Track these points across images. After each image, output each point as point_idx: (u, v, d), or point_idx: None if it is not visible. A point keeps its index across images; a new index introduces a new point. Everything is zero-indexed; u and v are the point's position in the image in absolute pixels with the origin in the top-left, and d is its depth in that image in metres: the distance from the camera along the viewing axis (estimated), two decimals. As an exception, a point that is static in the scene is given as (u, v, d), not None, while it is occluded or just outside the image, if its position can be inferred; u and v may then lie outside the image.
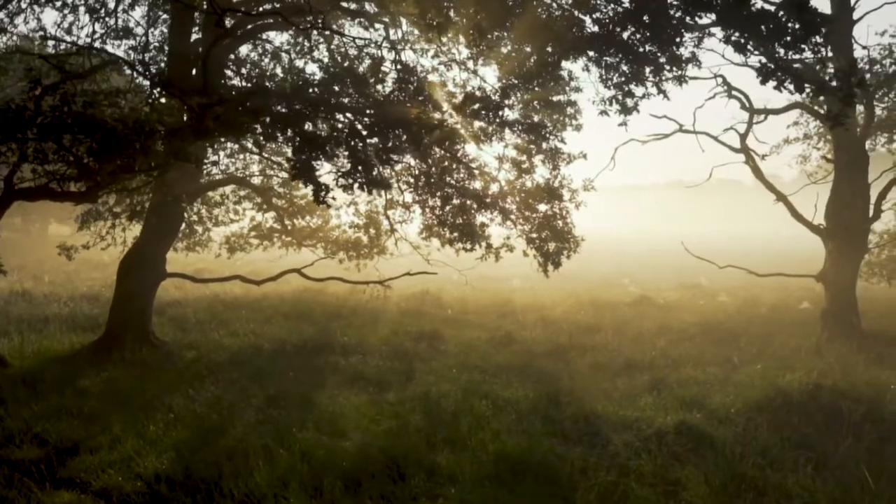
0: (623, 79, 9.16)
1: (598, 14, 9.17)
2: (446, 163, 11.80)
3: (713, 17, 7.69)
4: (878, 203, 14.30)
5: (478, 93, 11.46)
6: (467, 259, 12.63)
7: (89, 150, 7.26)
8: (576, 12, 9.89)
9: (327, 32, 13.61)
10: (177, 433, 7.64)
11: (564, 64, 11.14)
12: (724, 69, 32.06)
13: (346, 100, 9.77)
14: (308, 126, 7.85)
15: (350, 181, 7.45)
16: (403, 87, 10.83)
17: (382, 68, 12.06)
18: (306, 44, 15.90)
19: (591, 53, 9.67)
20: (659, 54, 8.89)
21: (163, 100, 9.55)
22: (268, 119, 7.50)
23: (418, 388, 9.92)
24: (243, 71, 15.21)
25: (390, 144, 8.40)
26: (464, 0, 10.39)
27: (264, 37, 15.60)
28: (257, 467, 6.54)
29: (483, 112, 10.76)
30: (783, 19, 7.16)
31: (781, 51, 7.45)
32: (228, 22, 12.71)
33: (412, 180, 11.98)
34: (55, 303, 17.23)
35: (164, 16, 15.18)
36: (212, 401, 8.93)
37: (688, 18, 7.77)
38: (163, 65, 13.75)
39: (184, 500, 6.08)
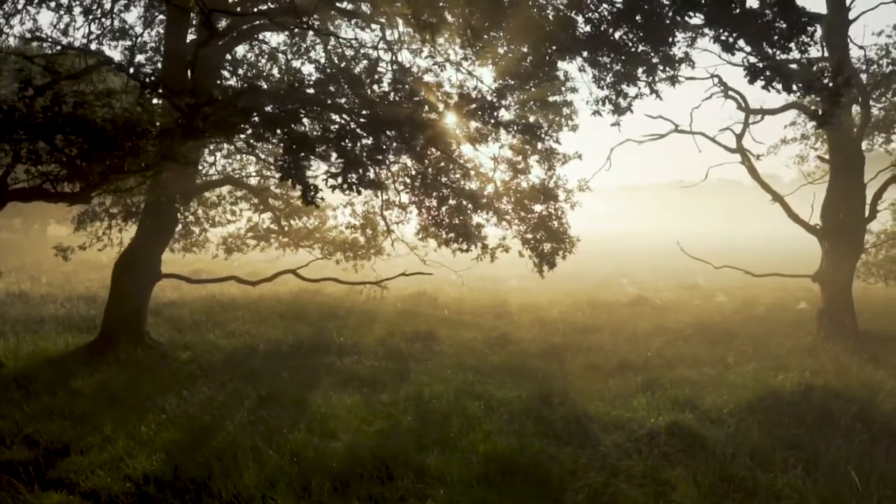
0: (616, 79, 9.16)
1: (590, 14, 9.16)
2: (442, 163, 11.80)
3: (703, 16, 7.69)
4: (873, 203, 14.29)
5: (473, 93, 11.48)
6: (463, 260, 12.63)
7: (79, 151, 7.26)
8: (570, 12, 9.90)
9: (318, 33, 13.62)
10: (168, 434, 7.63)
11: (560, 64, 11.18)
12: (721, 70, 32.16)
13: (341, 100, 9.77)
14: (298, 126, 7.84)
15: (340, 181, 7.45)
16: (399, 87, 10.84)
17: (378, 69, 12.11)
18: (302, 45, 15.95)
19: (584, 54, 9.68)
20: (652, 54, 8.90)
21: (156, 101, 9.54)
22: (257, 119, 7.50)
23: (412, 388, 9.91)
24: (240, 72, 15.23)
25: (383, 145, 8.38)
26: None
27: (260, 37, 15.63)
28: (246, 468, 6.54)
29: (479, 113, 10.75)
30: (770, 18, 7.16)
31: (769, 50, 7.45)
32: (224, 23, 12.81)
33: (409, 181, 11.99)
34: (52, 304, 17.23)
35: (161, 16, 15.21)
36: (204, 401, 8.93)
37: (678, 18, 7.77)
38: (159, 65, 13.78)
39: (172, 500, 6.07)
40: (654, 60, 8.98)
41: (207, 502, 6.07)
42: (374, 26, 14.99)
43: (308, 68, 22.88)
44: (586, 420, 8.35)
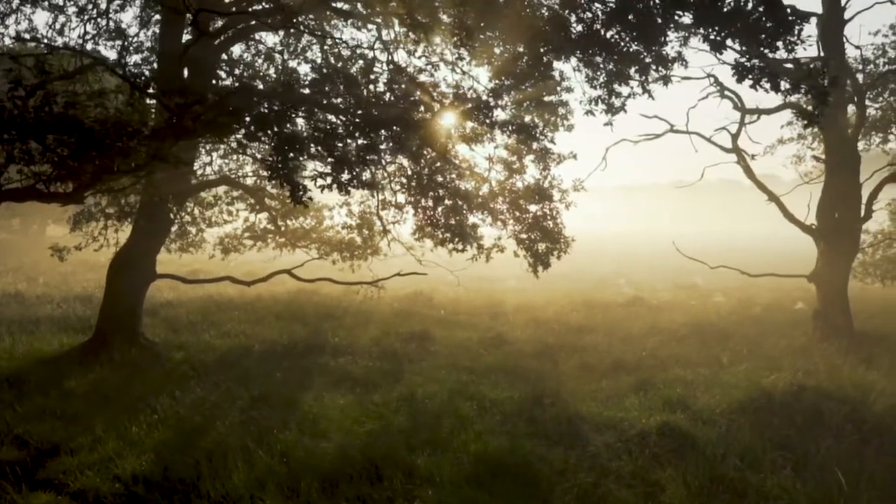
0: (608, 78, 9.15)
1: (583, 13, 9.14)
2: (438, 163, 11.80)
3: (691, 15, 7.69)
4: (869, 203, 14.28)
5: (469, 93, 11.47)
6: (460, 260, 12.62)
7: (70, 151, 7.27)
8: (563, 12, 9.88)
9: (311, 34, 13.62)
10: (159, 434, 7.63)
11: (556, 64, 11.17)
12: (718, 70, 32.08)
13: (337, 100, 9.76)
14: (289, 126, 7.83)
15: (329, 181, 7.45)
16: (395, 87, 10.83)
17: (374, 69, 12.08)
18: (298, 45, 15.94)
19: (578, 54, 9.67)
20: (644, 54, 8.88)
21: (149, 101, 9.53)
22: (248, 119, 7.50)
23: (405, 389, 9.90)
24: (236, 72, 15.22)
25: (377, 144, 8.37)
26: (449, -1, 10.38)
27: (256, 37, 15.63)
28: (236, 468, 6.54)
29: (474, 112, 10.75)
30: (757, 17, 7.15)
31: (756, 49, 7.43)
32: (219, 23, 12.80)
33: (405, 181, 11.98)
34: (48, 304, 17.23)
35: (157, 16, 15.20)
36: (196, 402, 8.93)
37: (668, 16, 7.76)
38: (156, 65, 13.78)
39: (160, 501, 6.07)
40: (647, 60, 8.96)
41: (196, 502, 6.07)
42: (370, 26, 14.99)
43: (304, 68, 22.87)
44: (578, 420, 8.34)
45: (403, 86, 11.07)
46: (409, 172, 11.80)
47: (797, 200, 15.12)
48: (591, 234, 58.05)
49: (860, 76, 16.07)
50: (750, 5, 7.17)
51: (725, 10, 7.23)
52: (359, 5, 14.31)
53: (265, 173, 16.75)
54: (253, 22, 12.45)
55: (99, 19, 14.61)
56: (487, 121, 10.95)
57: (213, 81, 12.99)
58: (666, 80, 9.03)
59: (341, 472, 6.56)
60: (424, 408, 8.90)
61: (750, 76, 7.48)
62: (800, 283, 18.86)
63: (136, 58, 15.08)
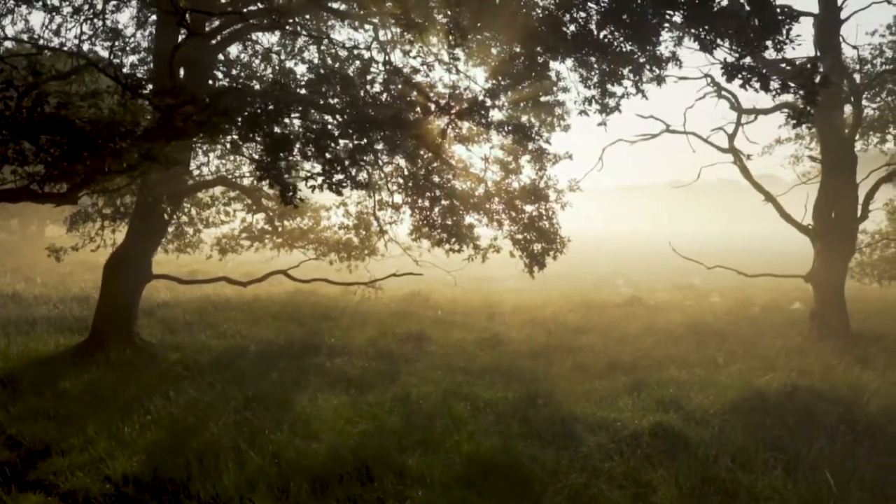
0: (602, 78, 9.14)
1: (577, 13, 9.13)
2: (435, 164, 11.80)
3: (681, 15, 7.68)
4: (865, 203, 14.28)
5: (465, 94, 11.47)
6: (457, 260, 12.61)
7: (61, 151, 7.27)
8: (557, 12, 9.88)
9: (307, 34, 13.61)
10: (151, 435, 7.63)
11: (552, 64, 11.16)
12: (714, 70, 32.02)
13: (333, 100, 9.76)
14: (280, 126, 7.83)
15: (320, 181, 7.44)
16: (391, 87, 10.82)
17: (371, 69, 12.07)
18: (295, 45, 15.93)
19: (573, 54, 9.66)
20: (638, 54, 8.88)
21: (141, 101, 9.51)
22: (239, 120, 7.50)
23: (400, 389, 9.89)
24: (233, 72, 15.22)
25: (366, 144, 8.36)
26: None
27: (253, 38, 15.62)
28: (226, 469, 6.53)
29: (470, 113, 10.75)
30: (745, 17, 7.15)
31: (745, 49, 7.43)
32: (216, 23, 12.80)
33: (402, 181, 11.98)
34: (45, 305, 17.23)
35: (153, 17, 15.19)
36: (190, 402, 8.92)
37: (659, 16, 7.75)
38: (152, 66, 13.77)
39: (150, 501, 6.07)
40: (641, 60, 8.95)
41: (185, 503, 6.06)
42: (367, 27, 14.99)
43: (301, 69, 22.87)
44: (571, 421, 8.34)
45: (400, 86, 11.07)
46: (406, 173, 11.81)
47: (795, 200, 15.12)
48: (590, 235, 58.11)
49: (857, 76, 16.08)
50: (736, 5, 7.18)
51: (715, 9, 7.23)
52: (354, 5, 14.31)
53: (258, 173, 16.97)
54: (249, 22, 12.44)
55: (95, 20, 14.59)
56: (484, 121, 10.95)
57: (210, 82, 13.00)
58: (660, 80, 9.01)
59: (332, 472, 6.56)
60: (418, 408, 8.89)
61: (739, 76, 7.48)
62: (797, 284, 18.82)
63: (133, 58, 15.08)
